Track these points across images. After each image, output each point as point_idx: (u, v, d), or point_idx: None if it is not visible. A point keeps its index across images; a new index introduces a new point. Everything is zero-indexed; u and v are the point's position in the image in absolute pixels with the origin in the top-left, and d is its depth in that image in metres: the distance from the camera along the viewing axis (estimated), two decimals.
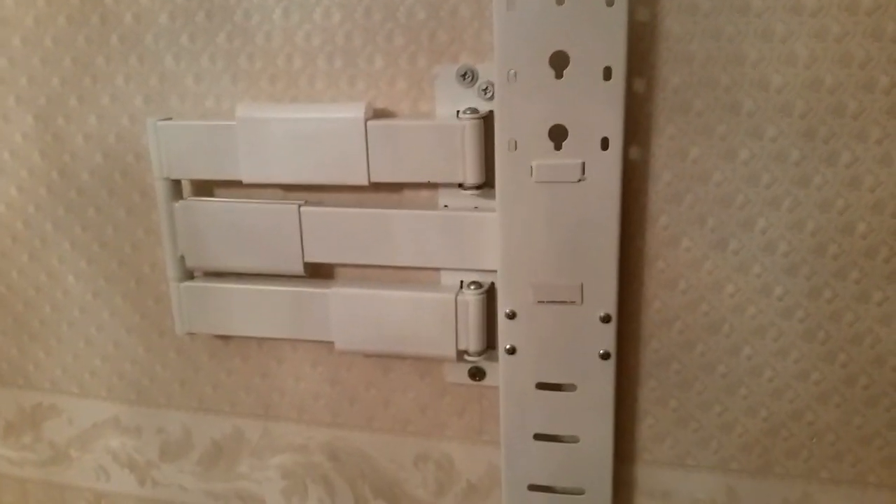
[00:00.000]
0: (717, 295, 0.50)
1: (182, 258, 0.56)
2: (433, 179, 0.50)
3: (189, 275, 0.57)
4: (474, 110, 0.48)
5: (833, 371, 0.49)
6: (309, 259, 0.53)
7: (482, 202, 0.51)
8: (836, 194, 0.46)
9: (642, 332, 0.51)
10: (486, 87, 0.49)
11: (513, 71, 0.45)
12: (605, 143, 0.45)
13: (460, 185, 0.50)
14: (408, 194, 0.53)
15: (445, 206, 0.52)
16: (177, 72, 0.55)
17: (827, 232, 0.47)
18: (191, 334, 0.58)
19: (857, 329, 0.48)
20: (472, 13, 0.48)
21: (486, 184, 0.50)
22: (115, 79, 0.56)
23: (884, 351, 0.48)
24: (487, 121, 0.48)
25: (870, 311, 0.48)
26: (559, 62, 0.44)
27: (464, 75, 0.49)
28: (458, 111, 0.49)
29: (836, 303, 0.48)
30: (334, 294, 0.53)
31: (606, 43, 0.43)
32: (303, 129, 0.50)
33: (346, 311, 0.53)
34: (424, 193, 0.52)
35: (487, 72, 0.48)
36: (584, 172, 0.46)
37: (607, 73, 0.44)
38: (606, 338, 0.49)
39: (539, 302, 0.49)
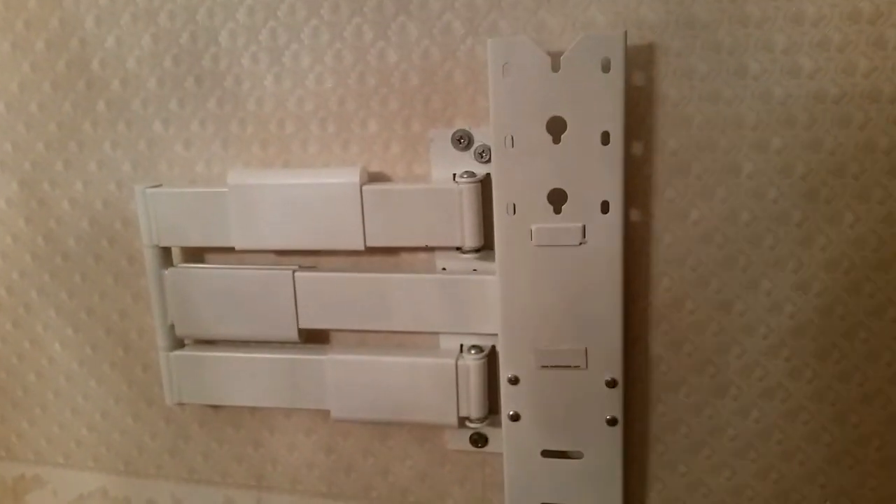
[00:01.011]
0: (724, 357, 0.48)
1: (172, 326, 0.54)
2: (431, 243, 0.49)
3: (179, 343, 0.55)
4: (471, 174, 0.47)
5: (844, 432, 0.48)
6: (304, 325, 0.52)
7: (481, 265, 0.49)
8: (840, 254, 0.45)
9: (649, 396, 0.50)
10: (483, 151, 0.48)
11: (510, 135, 0.44)
12: (605, 207, 0.44)
13: (458, 249, 0.49)
14: (405, 257, 0.52)
15: (444, 269, 0.51)
16: (165, 137, 0.54)
17: (833, 292, 0.46)
18: (181, 404, 0.56)
19: (867, 389, 0.47)
20: (466, 79, 0.48)
21: (485, 246, 0.49)
22: (102, 144, 0.55)
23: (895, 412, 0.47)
24: (484, 184, 0.48)
25: (879, 370, 0.47)
26: (556, 127, 0.44)
27: (459, 139, 0.48)
28: (454, 174, 0.49)
29: (844, 363, 0.47)
30: (330, 361, 0.52)
31: (604, 108, 0.43)
32: (296, 194, 0.49)
33: (343, 378, 0.52)
34: (422, 256, 0.51)
35: (483, 135, 0.48)
36: (584, 236, 0.45)
37: (605, 138, 0.43)
38: (613, 403, 0.47)
39: (542, 367, 0.47)
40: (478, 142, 0.48)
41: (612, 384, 0.47)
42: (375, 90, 0.49)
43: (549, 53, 0.43)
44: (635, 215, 0.47)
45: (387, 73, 0.49)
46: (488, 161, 0.48)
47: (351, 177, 0.48)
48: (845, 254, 0.45)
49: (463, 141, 0.48)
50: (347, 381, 0.52)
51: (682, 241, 0.47)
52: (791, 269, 0.46)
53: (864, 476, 0.49)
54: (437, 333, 0.52)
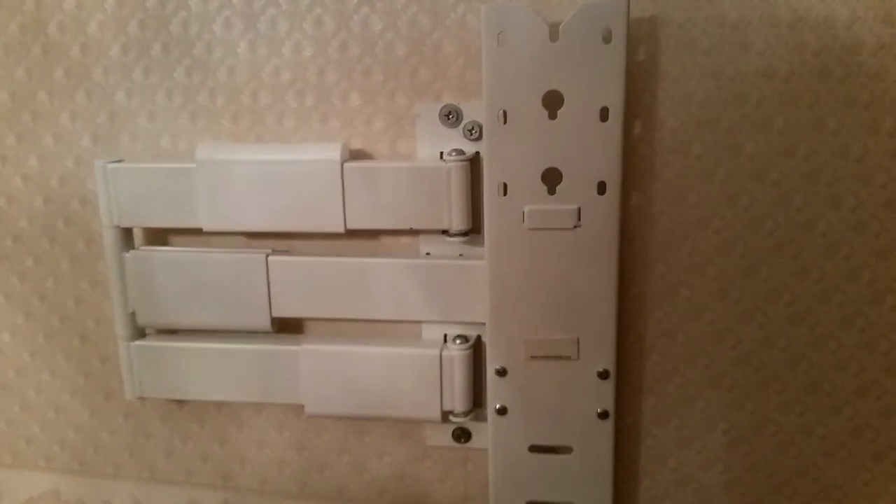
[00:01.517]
0: (719, 347, 0.47)
1: (133, 314, 0.50)
2: (415, 226, 0.46)
3: (140, 333, 0.51)
4: (460, 152, 0.45)
5: (839, 424, 0.47)
6: (277, 313, 0.48)
7: (468, 250, 0.47)
8: (840, 239, 0.44)
9: (641, 387, 0.48)
10: (473, 128, 0.45)
11: (503, 111, 0.41)
12: (601, 188, 0.42)
13: (444, 232, 0.46)
14: (386, 241, 0.49)
15: (427, 253, 0.48)
16: (129, 109, 0.50)
17: (832, 279, 0.44)
18: (141, 398, 0.52)
19: (863, 380, 0.46)
20: (456, 49, 0.45)
21: (473, 230, 0.46)
22: (60, 116, 0.51)
23: (891, 404, 0.46)
24: (473, 163, 0.45)
25: (875, 360, 0.45)
26: (553, 102, 0.41)
27: (448, 115, 0.45)
28: (441, 153, 0.46)
29: (841, 353, 0.46)
30: (305, 352, 0.48)
31: (603, 82, 0.41)
32: (271, 171, 0.46)
33: (318, 371, 0.48)
34: (405, 240, 0.48)
35: (473, 111, 0.45)
36: (579, 218, 0.42)
37: (604, 114, 0.41)
38: (604, 395, 0.45)
39: (532, 357, 0.45)
40: (467, 118, 0.45)
41: (604, 375, 0.45)
42: (358, 60, 0.46)
43: (547, 23, 0.40)
44: (632, 197, 0.45)
45: (371, 41, 0.46)
46: (478, 138, 0.45)
47: (331, 153, 0.45)
48: (845, 239, 0.44)
49: (452, 116, 0.45)
50: (323, 373, 0.48)
51: (679, 225, 0.45)
52: (790, 256, 0.45)
53: (857, 469, 0.47)
54: (419, 322, 0.49)
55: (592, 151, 0.41)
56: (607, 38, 0.40)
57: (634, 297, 0.46)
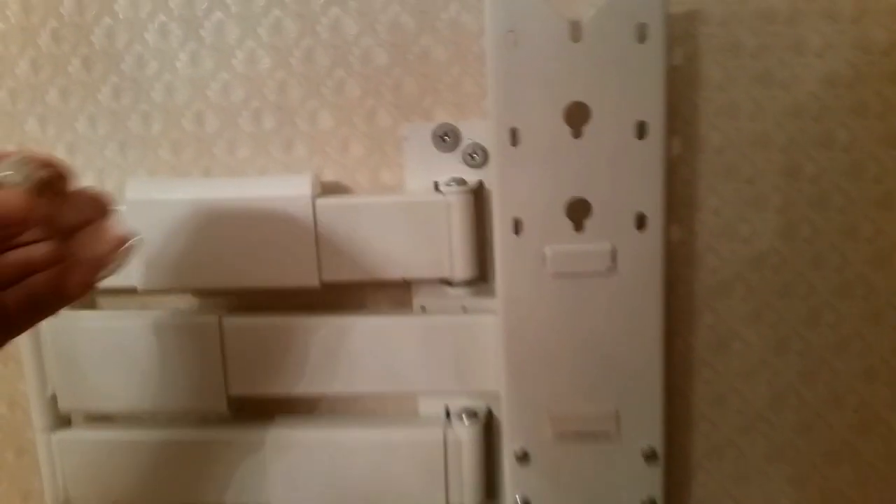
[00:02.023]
0: (779, 412, 0.38)
1: (53, 397, 0.40)
2: (408, 275, 0.37)
3: (64, 420, 0.41)
4: (460, 181, 0.36)
5: None
6: (235, 392, 0.39)
7: (474, 302, 0.38)
8: None
9: (689, 466, 0.39)
10: (474, 152, 0.37)
11: (515, 128, 0.33)
12: (640, 221, 0.34)
13: (444, 282, 0.37)
14: (371, 294, 0.39)
15: (423, 308, 0.39)
16: (42, 140, 0.40)
17: None
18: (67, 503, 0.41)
19: None
20: (449, 56, 0.36)
21: (480, 278, 0.37)
22: None
23: None
24: (477, 195, 0.37)
25: None
26: (577, 116, 0.33)
27: (443, 136, 0.37)
28: (436, 183, 0.37)
29: None
30: (273, 440, 0.39)
31: (639, 90, 0.33)
32: (223, 213, 0.36)
33: (291, 465, 0.38)
34: (394, 292, 0.39)
35: (474, 131, 0.37)
36: (614, 260, 0.34)
37: (641, 130, 0.33)
38: (651, 480, 0.36)
39: (560, 436, 0.36)
40: (466, 139, 0.37)
41: (650, 456, 0.36)
42: (329, 72, 0.37)
43: (567, 19, 0.32)
44: (671, 231, 0.37)
45: (343, 48, 0.37)
46: (482, 164, 0.37)
47: (299, 188, 0.36)
48: None
49: (448, 138, 0.37)
50: (297, 468, 0.38)
51: (728, 264, 0.37)
52: (861, 296, 0.37)
53: None
54: (415, 394, 0.40)
55: (628, 176, 0.33)
56: (641, 37, 0.32)
57: (679, 354, 0.38)
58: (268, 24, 0.37)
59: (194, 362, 0.38)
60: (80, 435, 0.40)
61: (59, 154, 0.40)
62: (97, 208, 0.28)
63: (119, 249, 0.28)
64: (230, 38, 0.37)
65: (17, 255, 0.29)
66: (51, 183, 0.26)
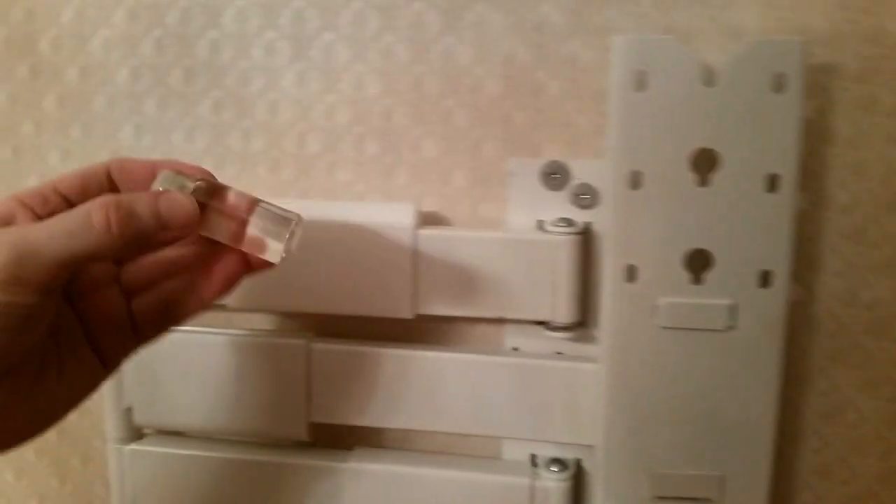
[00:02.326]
0: (891, 489, 0.36)
1: (129, 410, 0.39)
2: (507, 314, 0.35)
3: (137, 433, 0.40)
4: (569, 222, 0.34)
5: None
6: (317, 419, 0.37)
7: (570, 347, 0.36)
8: None
9: None
10: (584, 192, 0.35)
11: (637, 172, 0.31)
12: (764, 279, 0.32)
13: (542, 323, 0.36)
14: (461, 330, 0.38)
15: (515, 348, 0.37)
16: (137, 150, 0.40)
17: None
18: None
19: None
20: (564, 90, 0.35)
21: (579, 323, 0.35)
22: (47, 155, 0.41)
23: None
24: (584, 237, 0.35)
25: None
26: (704, 163, 0.31)
27: (552, 174, 0.35)
28: (539, 221, 0.36)
29: None
30: (351, 471, 0.37)
31: (773, 141, 0.31)
32: (318, 237, 0.35)
33: (366, 498, 0.37)
34: (484, 329, 0.38)
35: (584, 171, 0.35)
36: (733, 317, 0.32)
37: (772, 183, 0.31)
38: None
39: (659, 498, 0.34)
40: (576, 178, 0.35)
41: None
42: (437, 100, 0.36)
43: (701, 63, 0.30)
44: (793, 292, 0.35)
45: (455, 77, 0.36)
46: (592, 206, 0.35)
47: (401, 217, 0.35)
48: None
49: (557, 176, 0.35)
50: (372, 501, 0.37)
51: (847, 330, 0.35)
52: None
53: None
54: (499, 438, 0.38)
55: (755, 230, 0.31)
56: (778, 87, 0.30)
57: (787, 420, 0.36)
58: (378, 49, 0.36)
59: (277, 385, 0.37)
60: (153, 449, 0.39)
61: None
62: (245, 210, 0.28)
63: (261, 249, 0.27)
64: (339, 60, 0.36)
65: (156, 257, 0.28)
66: (205, 192, 0.27)
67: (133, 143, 0.40)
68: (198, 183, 0.27)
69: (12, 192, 0.26)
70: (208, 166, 0.39)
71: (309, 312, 0.37)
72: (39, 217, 0.26)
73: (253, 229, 0.27)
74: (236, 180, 0.39)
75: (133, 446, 0.39)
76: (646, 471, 0.34)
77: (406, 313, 0.35)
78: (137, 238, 0.25)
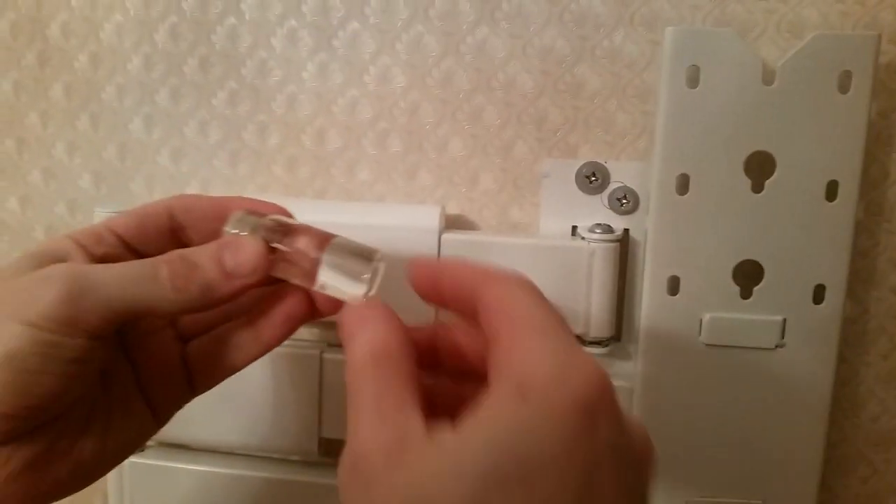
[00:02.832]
0: None
1: None
2: None
3: None
4: (607, 228, 0.32)
5: None
6: (329, 434, 0.35)
7: (605, 363, 0.34)
8: None
9: None
10: (624, 196, 0.33)
11: (685, 175, 0.29)
12: (819, 294, 0.30)
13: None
14: None
15: None
16: (146, 143, 0.37)
17: None
18: None
19: None
20: (605, 88, 0.33)
21: (614, 337, 0.33)
22: (53, 147, 0.38)
23: None
24: (622, 245, 0.33)
25: None
26: (759, 168, 0.29)
27: (590, 177, 0.33)
28: (574, 227, 0.33)
29: None
30: None
31: (835, 146, 0.29)
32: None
33: None
34: None
35: (624, 173, 0.33)
36: (783, 335, 0.30)
37: (832, 191, 0.29)
38: None
39: None
40: (615, 181, 0.33)
41: None
42: (467, 97, 0.34)
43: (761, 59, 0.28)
44: (847, 308, 0.32)
45: (487, 71, 0.33)
46: (632, 211, 0.33)
47: (426, 220, 0.32)
48: None
49: (595, 179, 0.33)
50: None
51: None
52: None
53: None
54: None
55: (811, 242, 0.29)
56: (844, 87, 0.28)
57: (833, 446, 0.33)
58: (407, 40, 0.34)
59: (288, 398, 0.35)
60: (155, 462, 0.37)
61: (164, 159, 0.37)
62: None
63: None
64: (364, 51, 0.34)
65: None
66: (278, 231, 0.24)
67: (143, 135, 0.38)
68: (269, 222, 0.24)
69: (67, 233, 0.24)
70: (221, 162, 0.37)
71: (324, 319, 0.35)
72: (94, 257, 0.23)
73: (328, 270, 0.24)
74: (250, 179, 0.37)
75: (134, 459, 0.37)
76: (682, 498, 0.31)
77: (428, 319, 0.33)
78: (203, 293, 0.23)
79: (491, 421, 0.17)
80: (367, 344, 0.20)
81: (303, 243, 0.24)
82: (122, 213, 0.25)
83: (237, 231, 0.24)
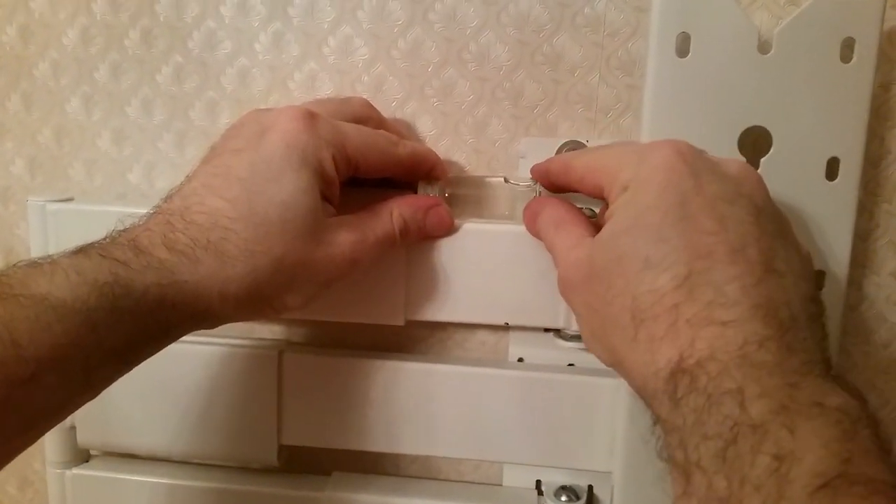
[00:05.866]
0: None
1: (72, 429, 0.33)
2: (514, 320, 0.30)
3: (82, 456, 0.35)
4: (591, 211, 0.29)
5: None
6: (288, 440, 0.32)
7: (584, 358, 0.31)
8: None
9: None
10: None
11: None
12: (819, 279, 0.27)
13: (554, 331, 0.31)
14: (459, 338, 0.33)
15: (520, 359, 0.32)
16: (86, 125, 0.34)
17: None
18: None
19: None
20: (586, 59, 0.30)
21: None
22: None
23: None
24: None
25: None
26: (755, 144, 0.27)
27: None
28: None
29: None
30: (328, 500, 0.32)
31: (836, 120, 0.26)
32: None
33: None
34: (487, 337, 0.33)
35: None
36: None
37: (833, 169, 0.26)
38: None
39: None
40: None
41: None
42: (436, 70, 0.31)
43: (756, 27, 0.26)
44: (850, 295, 0.30)
45: (458, 41, 0.31)
46: None
47: None
48: None
49: None
50: None
51: None
52: None
53: None
54: (499, 462, 0.33)
55: (811, 222, 0.27)
56: (847, 56, 0.26)
57: None
58: (370, 7, 0.31)
59: (244, 402, 0.32)
60: (100, 474, 0.34)
61: (104, 142, 0.34)
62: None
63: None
64: (323, 20, 0.31)
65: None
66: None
67: (81, 117, 0.34)
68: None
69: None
70: (166, 144, 0.34)
71: (285, 318, 0.32)
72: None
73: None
74: (198, 160, 0.33)
75: (76, 470, 0.34)
76: (670, 500, 0.29)
77: (396, 319, 0.30)
78: (398, 245, 0.28)
79: (619, 206, 0.22)
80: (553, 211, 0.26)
81: None
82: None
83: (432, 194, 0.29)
